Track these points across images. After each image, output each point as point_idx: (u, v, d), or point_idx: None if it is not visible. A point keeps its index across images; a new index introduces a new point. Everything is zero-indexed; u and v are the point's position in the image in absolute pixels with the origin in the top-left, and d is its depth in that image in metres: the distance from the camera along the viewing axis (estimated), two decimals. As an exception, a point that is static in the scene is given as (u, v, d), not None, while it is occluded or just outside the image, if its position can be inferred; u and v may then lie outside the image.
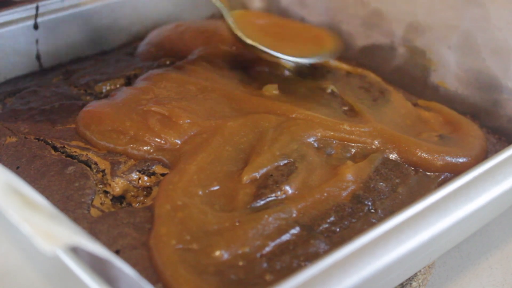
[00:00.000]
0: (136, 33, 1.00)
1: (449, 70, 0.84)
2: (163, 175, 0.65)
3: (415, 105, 0.80)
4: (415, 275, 0.63)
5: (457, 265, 0.69)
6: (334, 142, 0.69)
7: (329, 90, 0.79)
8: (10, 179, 0.46)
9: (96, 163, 0.66)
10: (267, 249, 0.54)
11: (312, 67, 0.86)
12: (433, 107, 0.80)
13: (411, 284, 0.62)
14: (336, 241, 0.56)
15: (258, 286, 0.51)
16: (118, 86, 0.83)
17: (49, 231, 0.38)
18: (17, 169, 0.66)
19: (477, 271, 0.68)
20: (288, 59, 0.80)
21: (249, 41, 0.80)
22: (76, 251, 0.45)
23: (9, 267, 0.61)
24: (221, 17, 0.84)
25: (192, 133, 0.68)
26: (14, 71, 0.88)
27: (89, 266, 0.44)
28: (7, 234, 0.66)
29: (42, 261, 0.59)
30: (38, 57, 0.89)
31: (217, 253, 0.53)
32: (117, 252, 0.55)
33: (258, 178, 0.62)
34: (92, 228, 0.58)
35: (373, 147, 0.69)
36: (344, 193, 0.62)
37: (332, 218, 0.59)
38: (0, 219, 0.48)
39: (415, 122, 0.76)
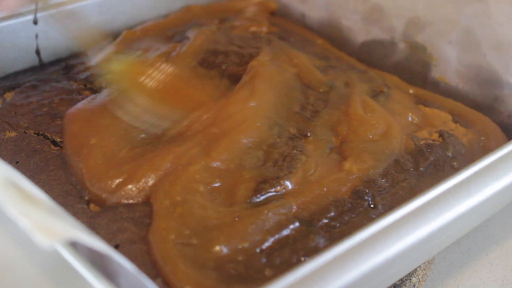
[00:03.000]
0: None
1: (449, 66, 0.84)
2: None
3: (417, 100, 0.80)
4: (415, 270, 0.62)
5: (457, 260, 0.69)
6: (334, 137, 0.70)
7: None
8: (9, 174, 0.46)
9: (95, 158, 0.66)
10: (267, 244, 0.54)
11: None
12: (437, 101, 0.80)
13: (411, 279, 0.62)
14: (336, 236, 0.56)
15: (258, 281, 0.51)
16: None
17: (47, 226, 0.38)
18: (17, 164, 0.66)
19: (477, 267, 0.68)
20: None
21: None
22: (75, 246, 0.45)
23: (8, 261, 0.61)
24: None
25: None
26: (14, 66, 0.88)
27: (88, 261, 0.44)
28: (6, 228, 0.66)
29: (41, 255, 0.59)
30: (37, 51, 0.89)
31: (217, 248, 0.53)
32: (116, 246, 0.55)
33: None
34: (92, 223, 0.58)
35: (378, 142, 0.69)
36: (344, 188, 0.62)
37: (332, 213, 0.59)
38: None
39: (415, 118, 0.76)
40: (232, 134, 0.67)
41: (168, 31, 0.95)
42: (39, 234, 0.37)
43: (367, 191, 0.62)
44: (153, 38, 0.93)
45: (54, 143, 0.69)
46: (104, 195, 0.61)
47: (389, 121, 0.72)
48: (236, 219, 0.56)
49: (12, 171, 0.47)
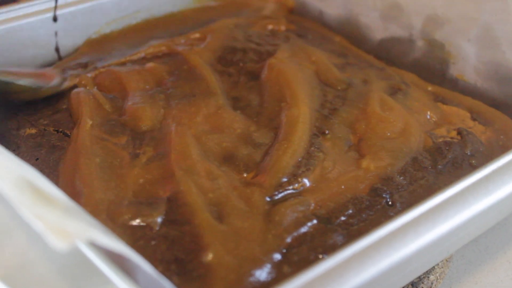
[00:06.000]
0: (154, 25, 1.00)
1: (468, 63, 0.84)
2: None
3: (435, 98, 0.80)
4: (433, 268, 0.62)
5: (475, 258, 0.68)
6: (352, 135, 0.70)
7: None
8: (25, 173, 0.46)
9: (114, 155, 0.66)
10: (285, 241, 0.55)
11: None
12: (456, 99, 0.80)
13: (428, 277, 0.62)
14: (354, 233, 0.56)
15: (276, 278, 0.51)
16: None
17: (61, 227, 0.38)
18: (36, 160, 0.67)
19: (495, 265, 0.68)
20: None
21: None
22: (94, 243, 0.45)
23: (26, 259, 0.61)
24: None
25: None
26: (34, 63, 0.88)
27: (106, 257, 0.44)
28: (24, 226, 0.66)
29: (60, 254, 0.59)
30: (57, 49, 0.90)
31: None
32: None
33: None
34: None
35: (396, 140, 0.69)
36: (362, 186, 0.62)
37: (349, 211, 0.59)
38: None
39: (433, 115, 0.75)
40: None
41: (184, 27, 0.96)
42: (53, 236, 0.36)
43: (385, 188, 0.62)
44: (168, 33, 0.94)
45: (74, 140, 0.69)
46: None
47: (407, 119, 0.72)
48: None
49: (29, 169, 0.47)
